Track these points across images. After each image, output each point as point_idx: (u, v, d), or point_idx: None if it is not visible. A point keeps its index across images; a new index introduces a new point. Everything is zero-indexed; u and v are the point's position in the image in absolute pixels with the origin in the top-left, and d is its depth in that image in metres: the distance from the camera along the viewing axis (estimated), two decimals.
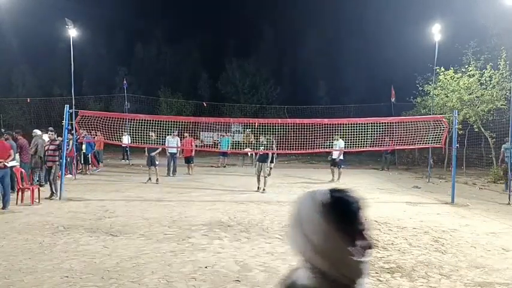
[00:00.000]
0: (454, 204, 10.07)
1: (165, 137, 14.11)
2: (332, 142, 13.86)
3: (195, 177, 15.15)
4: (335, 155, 14.19)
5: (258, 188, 11.82)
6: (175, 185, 12.89)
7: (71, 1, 31.53)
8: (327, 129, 12.89)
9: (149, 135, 12.94)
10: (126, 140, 15.47)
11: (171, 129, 14.46)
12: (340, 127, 12.80)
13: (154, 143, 13.00)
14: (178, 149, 15.53)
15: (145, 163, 14.01)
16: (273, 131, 14.02)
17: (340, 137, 13.64)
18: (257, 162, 12.03)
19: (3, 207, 8.58)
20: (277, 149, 13.04)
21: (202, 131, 19.54)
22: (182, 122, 15.71)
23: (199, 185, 13.23)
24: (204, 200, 10.20)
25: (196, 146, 16.88)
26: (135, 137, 13.39)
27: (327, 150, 14.90)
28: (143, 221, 7.64)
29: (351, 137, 12.30)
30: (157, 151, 13.39)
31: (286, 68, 39.90)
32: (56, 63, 34.54)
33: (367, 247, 1.12)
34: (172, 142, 14.68)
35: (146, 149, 13.39)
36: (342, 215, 1.11)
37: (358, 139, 12.41)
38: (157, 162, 13.30)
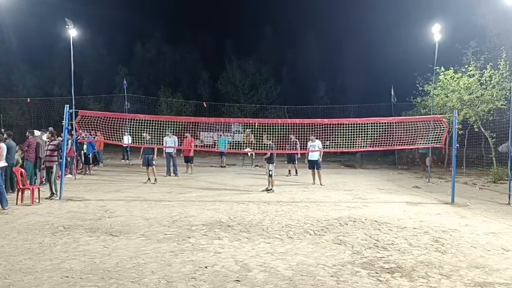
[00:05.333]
0: (454, 204, 10.06)
1: (164, 137, 14.12)
2: (309, 142, 13.48)
3: (195, 177, 15.16)
4: (315, 156, 13.52)
5: (266, 188, 11.84)
6: (175, 185, 12.89)
7: (71, 1, 31.55)
8: (327, 129, 12.87)
9: (143, 136, 12.96)
10: (126, 140, 15.48)
11: (169, 130, 14.49)
12: (340, 127, 12.77)
13: (148, 143, 13.01)
14: (175, 148, 15.48)
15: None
16: (273, 131, 14.01)
17: (317, 138, 13.39)
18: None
19: None
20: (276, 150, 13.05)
21: (202, 131, 19.54)
22: (182, 122, 15.71)
23: (199, 185, 13.24)
24: (204, 200, 10.20)
25: (196, 145, 16.89)
26: (135, 137, 13.40)
27: (329, 150, 14.86)
28: (143, 221, 7.64)
29: (351, 137, 12.28)
30: (155, 152, 13.46)
31: (286, 68, 39.94)
32: (56, 63, 34.58)
33: None
34: (170, 142, 14.67)
35: (142, 149, 13.52)
36: None
37: (359, 139, 12.42)
38: (154, 163, 13.33)
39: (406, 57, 28.33)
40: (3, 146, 9.05)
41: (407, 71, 21.50)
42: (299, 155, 16.28)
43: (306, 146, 13.65)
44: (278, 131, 14.78)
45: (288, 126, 14.40)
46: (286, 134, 15.31)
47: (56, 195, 10.01)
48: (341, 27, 38.70)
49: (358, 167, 20.51)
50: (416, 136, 11.81)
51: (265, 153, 12.12)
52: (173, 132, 14.96)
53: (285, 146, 15.47)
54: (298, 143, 15.01)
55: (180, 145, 15.63)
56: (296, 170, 16.32)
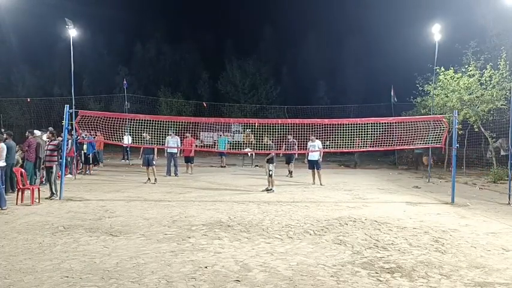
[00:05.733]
0: (454, 204, 10.06)
1: (165, 137, 14.13)
2: (309, 143, 13.42)
3: (195, 177, 15.16)
4: (315, 156, 13.47)
5: (266, 188, 11.84)
6: (175, 185, 12.89)
7: (71, 1, 31.55)
8: (327, 129, 12.86)
9: (142, 136, 12.97)
10: (126, 140, 15.50)
11: (171, 130, 14.51)
12: (340, 127, 12.76)
13: (148, 143, 13.02)
14: (178, 149, 15.51)
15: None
16: (273, 131, 13.99)
17: (317, 138, 13.34)
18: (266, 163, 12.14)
19: None
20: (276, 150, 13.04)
21: (202, 131, 19.54)
22: (182, 122, 15.71)
23: (199, 185, 13.24)
24: (204, 200, 10.20)
25: (196, 146, 16.91)
26: (135, 137, 13.40)
27: (329, 150, 14.82)
28: (143, 221, 7.64)
29: (351, 137, 12.27)
30: (155, 152, 13.47)
31: (286, 68, 39.93)
32: (56, 63, 34.61)
33: None
34: (172, 142, 14.68)
35: (142, 149, 13.54)
36: None
37: (358, 139, 12.41)
38: (154, 162, 13.34)
39: (406, 57, 28.33)
40: (3, 146, 9.05)
41: (407, 71, 21.52)
42: (296, 155, 16.23)
43: (306, 146, 13.65)
44: (278, 131, 14.77)
45: (288, 126, 14.39)
46: (286, 134, 15.29)
47: (56, 195, 10.00)
48: (341, 27, 38.74)
49: (357, 166, 20.51)
50: (417, 136, 11.80)
51: (267, 154, 12.10)
52: (174, 132, 14.97)
53: (282, 146, 15.40)
54: (296, 143, 14.96)
55: (181, 145, 15.65)
56: (291, 172, 16.02)
